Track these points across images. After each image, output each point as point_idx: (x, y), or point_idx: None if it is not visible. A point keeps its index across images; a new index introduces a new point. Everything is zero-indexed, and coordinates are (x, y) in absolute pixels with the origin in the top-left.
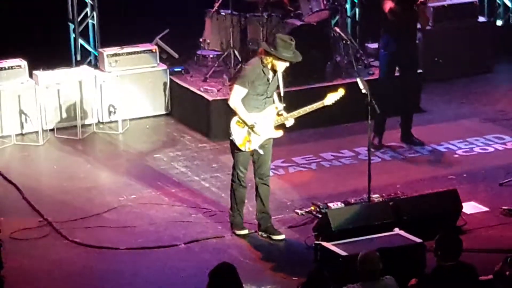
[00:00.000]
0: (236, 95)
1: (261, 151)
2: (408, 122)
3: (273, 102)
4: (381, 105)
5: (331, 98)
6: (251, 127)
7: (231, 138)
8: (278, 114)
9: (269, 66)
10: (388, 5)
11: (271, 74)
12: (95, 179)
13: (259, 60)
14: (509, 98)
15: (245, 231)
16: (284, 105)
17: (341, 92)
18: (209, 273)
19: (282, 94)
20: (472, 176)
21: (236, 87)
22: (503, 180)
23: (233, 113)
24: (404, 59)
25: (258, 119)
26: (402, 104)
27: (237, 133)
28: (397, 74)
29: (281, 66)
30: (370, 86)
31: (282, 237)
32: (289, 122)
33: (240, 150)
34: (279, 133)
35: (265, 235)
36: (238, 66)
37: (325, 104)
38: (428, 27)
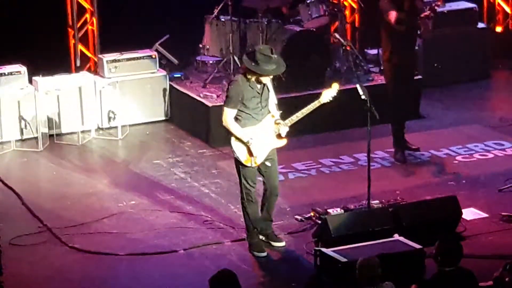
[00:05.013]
0: (227, 117)
1: (268, 163)
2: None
3: (269, 111)
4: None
5: (327, 95)
6: (247, 144)
7: (235, 156)
8: (276, 123)
9: (254, 80)
10: (393, 16)
11: (258, 86)
12: (95, 185)
13: (242, 77)
14: (509, 104)
15: (265, 253)
16: (281, 111)
17: (335, 87)
18: (209, 279)
19: (276, 102)
20: (472, 182)
21: (225, 110)
22: (503, 186)
23: (229, 132)
24: (405, 67)
25: (256, 132)
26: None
27: (240, 150)
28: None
29: (266, 78)
30: (370, 92)
31: (282, 244)
32: (284, 130)
33: (246, 166)
34: (283, 141)
35: (265, 240)
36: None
37: (322, 102)
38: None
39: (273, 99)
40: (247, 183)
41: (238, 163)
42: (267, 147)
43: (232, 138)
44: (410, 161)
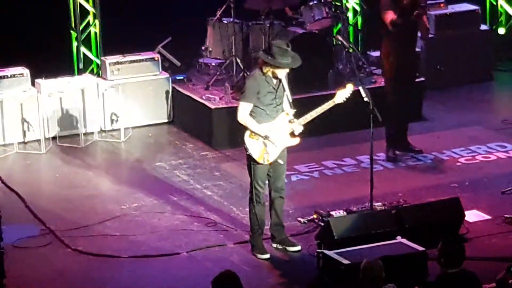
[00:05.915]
0: (242, 111)
1: (281, 161)
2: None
3: (283, 109)
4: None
5: (341, 96)
6: (266, 138)
7: (247, 153)
8: (290, 121)
9: (270, 74)
10: (390, 16)
11: (274, 81)
12: (97, 187)
13: (259, 71)
14: (511, 106)
15: (267, 255)
16: (295, 110)
17: (350, 87)
18: (212, 281)
19: (290, 100)
20: (475, 184)
21: (241, 104)
22: (506, 188)
23: (244, 128)
24: (405, 68)
25: (271, 128)
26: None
27: (253, 147)
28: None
29: (282, 72)
30: (372, 94)
31: (297, 248)
32: (298, 129)
33: (258, 164)
34: (296, 140)
35: (280, 247)
36: (241, 74)
37: (336, 102)
38: (430, 35)
39: (287, 97)
40: (257, 183)
41: (250, 160)
42: (281, 145)
43: (246, 135)
44: (412, 163)
